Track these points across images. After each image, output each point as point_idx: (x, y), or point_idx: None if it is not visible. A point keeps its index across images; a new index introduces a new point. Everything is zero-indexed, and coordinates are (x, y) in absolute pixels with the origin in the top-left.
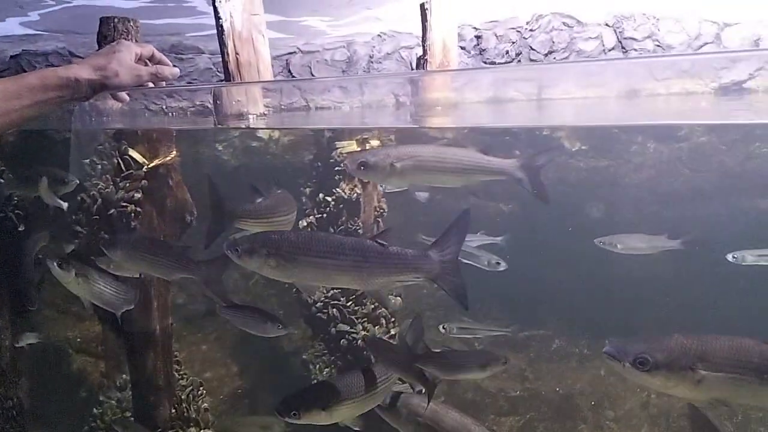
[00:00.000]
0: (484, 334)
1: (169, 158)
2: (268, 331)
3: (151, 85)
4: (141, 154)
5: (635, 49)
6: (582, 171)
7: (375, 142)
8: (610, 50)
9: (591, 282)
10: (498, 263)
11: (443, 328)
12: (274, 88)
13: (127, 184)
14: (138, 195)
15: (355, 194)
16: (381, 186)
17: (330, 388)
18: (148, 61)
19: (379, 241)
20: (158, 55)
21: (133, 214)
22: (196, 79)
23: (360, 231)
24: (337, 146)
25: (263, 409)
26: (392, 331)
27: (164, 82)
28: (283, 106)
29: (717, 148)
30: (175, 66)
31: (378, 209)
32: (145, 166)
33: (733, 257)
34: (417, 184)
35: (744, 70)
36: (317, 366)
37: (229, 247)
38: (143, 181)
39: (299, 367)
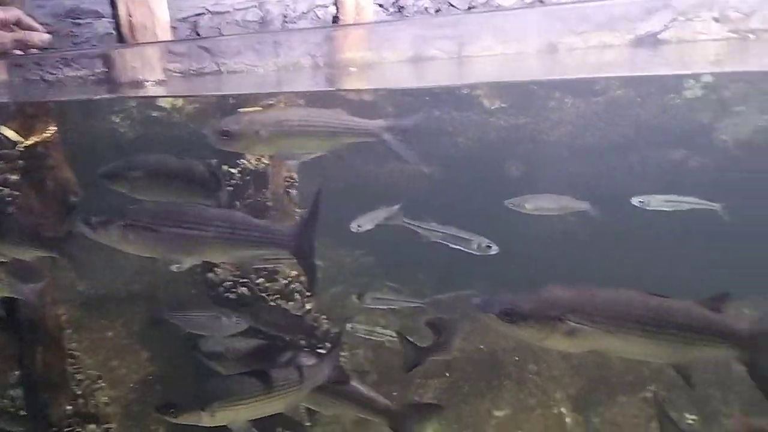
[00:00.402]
0: (399, 305)
1: (48, 134)
2: (225, 329)
3: (18, 52)
4: (16, 131)
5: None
6: (502, 129)
7: (281, 106)
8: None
9: (512, 240)
10: (489, 246)
11: (357, 297)
12: (182, 52)
13: (1, 165)
14: (14, 177)
15: (263, 165)
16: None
17: (219, 387)
18: (15, 26)
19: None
20: (26, 20)
21: (10, 198)
22: (95, 46)
23: (269, 203)
24: (240, 113)
25: (176, 396)
26: (307, 306)
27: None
28: (192, 71)
29: (633, 101)
30: (49, 32)
31: (288, 179)
32: (20, 144)
33: (639, 202)
34: (284, 151)
35: (659, 21)
36: None
37: (83, 220)
38: (19, 162)
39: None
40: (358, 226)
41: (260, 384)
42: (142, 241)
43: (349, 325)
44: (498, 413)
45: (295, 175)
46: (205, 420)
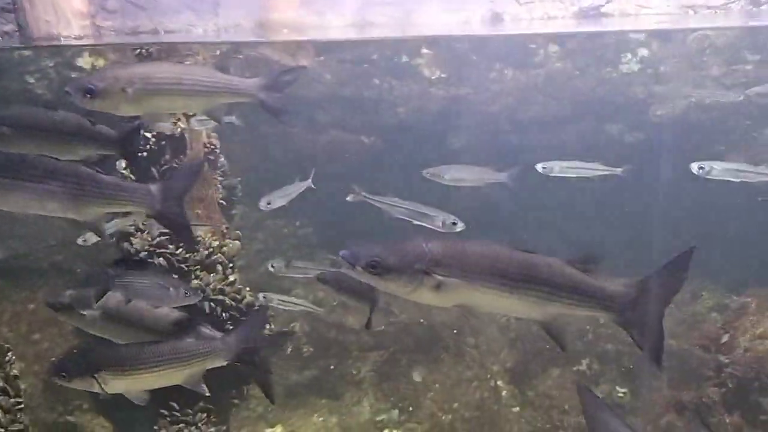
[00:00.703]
0: (314, 273)
1: None
2: (172, 300)
3: None
4: None
5: None
6: (441, 100)
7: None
8: None
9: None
10: (454, 224)
11: (272, 266)
12: (114, 9)
13: None
14: None
15: (179, 128)
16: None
17: (113, 355)
18: None
19: (97, 168)
20: None
21: None
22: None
23: None
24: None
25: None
26: (230, 278)
27: None
28: (126, 31)
29: (571, 74)
30: None
31: (208, 145)
32: None
33: (543, 168)
34: (153, 111)
35: None
36: None
37: None
38: None
39: None
40: (268, 203)
41: (157, 354)
42: None
43: (261, 295)
44: (435, 386)
45: (216, 141)
46: (97, 387)
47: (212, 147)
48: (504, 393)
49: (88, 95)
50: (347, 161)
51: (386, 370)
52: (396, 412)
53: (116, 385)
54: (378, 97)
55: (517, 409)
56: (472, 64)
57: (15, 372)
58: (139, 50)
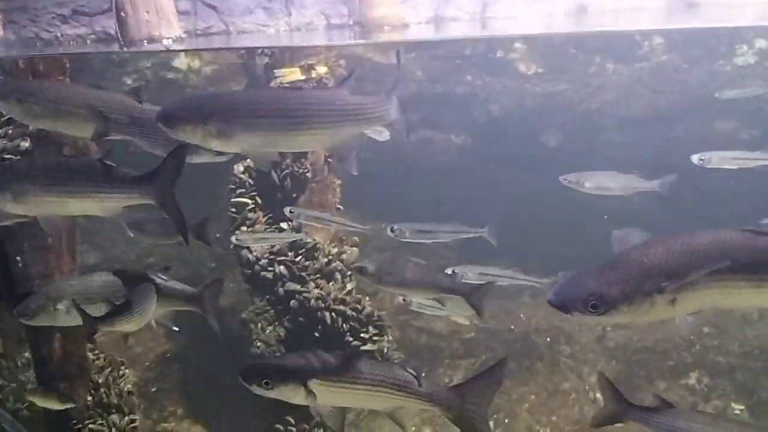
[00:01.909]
0: (445, 238)
1: None
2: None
3: None
4: None
5: None
6: (538, 96)
7: (322, 69)
8: None
9: (545, 215)
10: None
11: (392, 230)
12: (186, 10)
13: (10, 131)
14: (26, 144)
15: None
16: None
17: (327, 362)
18: None
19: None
20: None
21: None
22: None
23: (308, 174)
24: (277, 75)
25: (196, 375)
26: (348, 287)
27: None
28: (198, 31)
29: (679, 67)
30: None
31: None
32: None
33: (700, 159)
34: (249, 150)
35: None
36: (259, 325)
37: None
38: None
39: (238, 326)
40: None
41: (378, 372)
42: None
43: (401, 298)
44: (531, 397)
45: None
46: (300, 397)
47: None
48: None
49: (168, 126)
50: (435, 160)
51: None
52: (491, 423)
53: (327, 396)
54: (470, 93)
55: (621, 424)
56: (570, 58)
57: (129, 387)
58: (261, 51)
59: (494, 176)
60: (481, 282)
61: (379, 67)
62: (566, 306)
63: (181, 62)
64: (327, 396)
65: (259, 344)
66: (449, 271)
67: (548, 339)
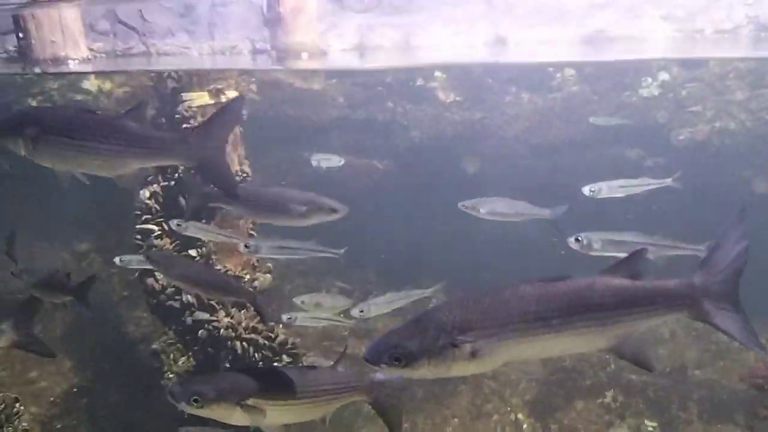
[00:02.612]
0: (301, 255)
1: None
2: None
3: None
4: None
5: None
6: (457, 124)
7: (232, 94)
8: None
9: (464, 239)
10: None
11: (246, 246)
12: (106, 30)
13: None
14: None
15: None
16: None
17: (261, 380)
18: None
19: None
20: None
21: None
22: None
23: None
24: (185, 98)
25: (105, 409)
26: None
27: None
28: (118, 52)
29: (589, 98)
30: None
31: (240, 173)
32: None
33: (590, 191)
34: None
35: (608, 17)
36: (171, 356)
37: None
38: None
39: (149, 357)
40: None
41: (318, 382)
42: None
43: (285, 317)
44: (454, 420)
45: (248, 170)
46: (236, 416)
47: (244, 175)
48: (525, 427)
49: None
50: (360, 186)
51: (402, 405)
52: None
53: (266, 414)
54: (391, 120)
55: None
56: (487, 88)
57: (24, 426)
58: (167, 74)
59: (416, 200)
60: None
61: (299, 92)
62: (374, 359)
63: (90, 84)
64: (265, 414)
65: (170, 376)
66: None
67: None
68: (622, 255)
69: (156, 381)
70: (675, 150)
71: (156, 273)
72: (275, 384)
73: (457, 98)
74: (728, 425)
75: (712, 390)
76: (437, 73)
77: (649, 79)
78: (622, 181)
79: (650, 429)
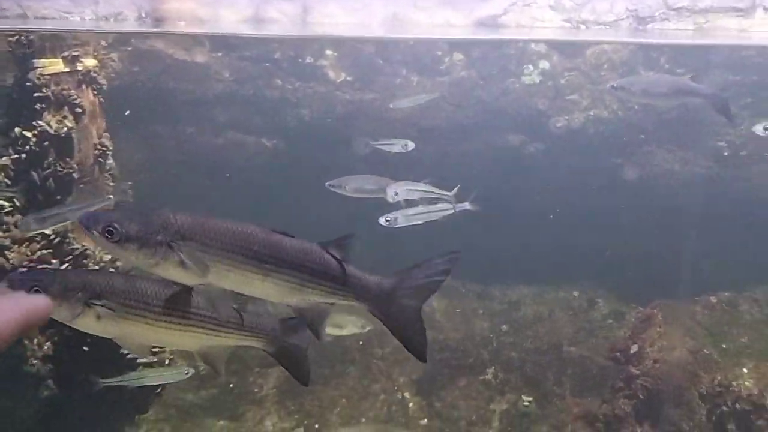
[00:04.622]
0: None
1: None
2: None
3: None
4: None
5: None
6: (348, 103)
7: (90, 62)
8: None
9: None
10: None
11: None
12: None
13: None
14: None
15: (65, 128)
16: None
17: (126, 283)
18: None
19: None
20: None
21: None
22: None
23: (75, 175)
24: (36, 65)
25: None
26: None
27: None
28: None
29: (476, 83)
30: None
31: (99, 147)
32: None
33: (386, 221)
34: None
35: (500, 4)
36: (35, 341)
37: None
38: None
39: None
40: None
41: (194, 305)
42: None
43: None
44: (342, 400)
45: (107, 142)
46: (83, 320)
47: (104, 149)
48: (411, 405)
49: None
50: (246, 163)
51: (290, 387)
52: (301, 430)
53: (114, 325)
54: (281, 97)
55: (425, 421)
56: (378, 68)
57: None
58: (17, 37)
59: (304, 180)
60: None
61: (181, 64)
62: (88, 224)
63: None
64: (120, 325)
65: (35, 362)
66: None
67: (361, 342)
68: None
69: (18, 369)
70: (554, 137)
71: (6, 252)
72: (137, 291)
73: (348, 78)
74: (597, 399)
75: (583, 366)
76: (328, 51)
77: (531, 67)
78: (419, 209)
79: (526, 404)
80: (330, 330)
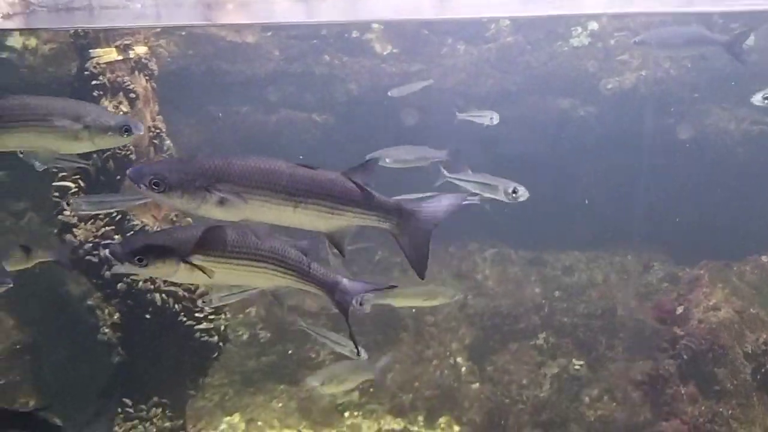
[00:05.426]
0: (121, 207)
1: None
2: None
3: None
4: None
5: None
6: (395, 76)
7: (141, 49)
8: None
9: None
10: (515, 192)
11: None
12: None
13: None
14: None
15: (121, 113)
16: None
17: (206, 235)
18: None
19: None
20: None
21: None
22: None
23: (132, 156)
24: (92, 55)
25: (47, 365)
26: None
27: None
28: (60, 6)
29: (523, 48)
30: None
31: (153, 129)
32: None
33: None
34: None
35: None
36: (105, 311)
37: None
38: None
39: (85, 313)
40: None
41: (262, 246)
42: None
43: (200, 302)
44: (396, 366)
45: (161, 125)
46: (180, 274)
47: (158, 131)
48: (463, 369)
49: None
50: (299, 140)
51: (343, 355)
52: (356, 394)
53: (211, 273)
54: (329, 73)
55: (477, 385)
56: (423, 40)
57: None
58: (73, 31)
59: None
60: None
61: (232, 46)
62: (136, 178)
63: (15, 41)
64: (213, 272)
65: (106, 331)
66: None
67: (413, 310)
68: None
69: (93, 337)
70: (604, 99)
71: (75, 228)
72: (222, 241)
73: (394, 50)
74: (648, 361)
75: (637, 329)
76: (374, 25)
77: (579, 29)
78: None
79: (577, 367)
80: (417, 302)
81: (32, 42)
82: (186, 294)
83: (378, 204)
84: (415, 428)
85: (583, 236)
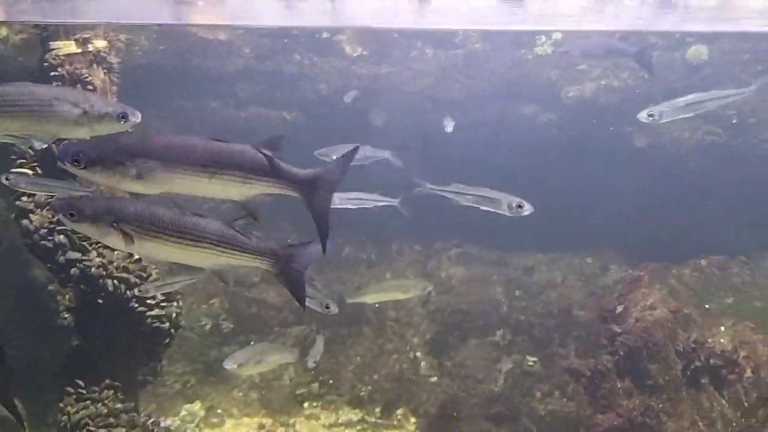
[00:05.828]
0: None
1: None
2: None
3: None
4: None
5: None
6: (364, 77)
7: (100, 43)
8: None
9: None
10: (520, 206)
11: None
12: None
13: None
14: None
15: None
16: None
17: (145, 209)
18: None
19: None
20: None
21: None
22: None
23: None
24: (52, 47)
25: (12, 349)
26: (135, 255)
27: None
28: None
29: (490, 55)
30: None
31: None
32: None
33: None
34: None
35: None
36: (67, 296)
37: None
38: None
39: (47, 298)
40: None
41: (206, 229)
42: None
43: (137, 290)
44: (356, 359)
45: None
46: (110, 238)
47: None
48: (423, 364)
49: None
50: (270, 136)
51: (308, 345)
52: (316, 385)
53: (144, 244)
54: (299, 72)
55: (435, 378)
56: (393, 42)
57: None
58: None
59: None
60: None
61: (204, 42)
62: (60, 156)
63: None
64: (144, 244)
65: (66, 316)
66: None
67: (377, 305)
68: None
69: (53, 321)
70: (565, 107)
71: (31, 215)
72: (158, 216)
73: (364, 52)
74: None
75: (590, 329)
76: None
77: (543, 38)
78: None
79: (530, 363)
80: (392, 295)
81: (3, 31)
82: (138, 281)
83: (285, 173)
84: (372, 419)
85: (545, 238)
